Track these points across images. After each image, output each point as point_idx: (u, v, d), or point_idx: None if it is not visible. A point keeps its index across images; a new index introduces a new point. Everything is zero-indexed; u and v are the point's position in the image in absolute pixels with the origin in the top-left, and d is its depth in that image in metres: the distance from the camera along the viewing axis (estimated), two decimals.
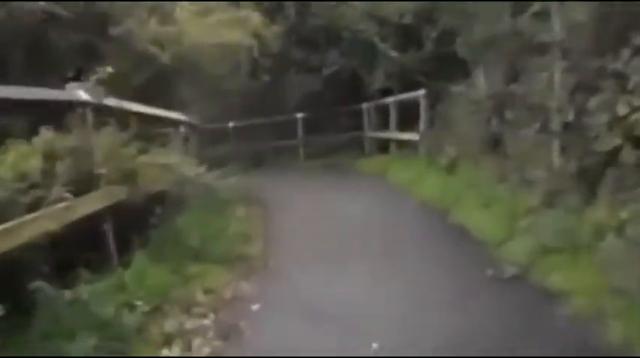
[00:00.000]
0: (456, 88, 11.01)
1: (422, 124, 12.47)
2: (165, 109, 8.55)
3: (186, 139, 9.68)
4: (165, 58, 10.91)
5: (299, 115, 18.12)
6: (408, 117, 13.77)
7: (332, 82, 18.03)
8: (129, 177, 5.62)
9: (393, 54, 15.03)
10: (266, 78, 18.96)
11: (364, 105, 17.28)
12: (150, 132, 7.26)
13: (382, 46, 15.42)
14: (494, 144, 9.19)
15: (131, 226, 5.57)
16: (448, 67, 14.32)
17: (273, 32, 16.47)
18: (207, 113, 19.52)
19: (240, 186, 10.62)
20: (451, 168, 10.47)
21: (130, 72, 10.44)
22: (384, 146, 15.52)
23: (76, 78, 5.92)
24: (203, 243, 6.29)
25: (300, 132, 18.27)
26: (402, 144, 14.11)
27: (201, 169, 8.55)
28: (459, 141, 10.58)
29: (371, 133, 17.04)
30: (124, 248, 5.34)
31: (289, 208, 9.96)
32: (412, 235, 7.49)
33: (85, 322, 3.80)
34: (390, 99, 14.92)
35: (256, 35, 15.31)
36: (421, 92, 12.64)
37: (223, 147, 18.69)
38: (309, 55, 18.56)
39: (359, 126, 17.63)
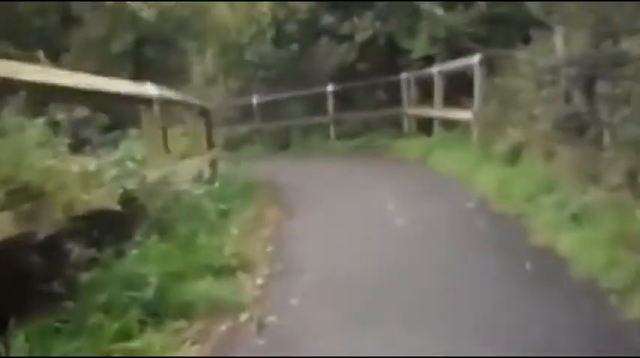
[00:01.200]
0: (521, 54, 8.65)
1: (476, 99, 10.06)
2: (141, 81, 6.22)
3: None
4: (148, 14, 8.25)
5: (329, 88, 15.91)
6: (454, 90, 11.58)
7: (366, 49, 15.79)
8: (27, 197, 3.48)
9: (439, 12, 12.66)
10: (293, 47, 16.78)
11: (403, 76, 14.98)
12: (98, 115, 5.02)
13: (426, 5, 13.06)
14: (577, 127, 6.94)
15: (34, 282, 3.49)
16: (503, 29, 12.20)
17: None
18: (228, 86, 17.67)
19: (250, 182, 8.54)
20: (514, 157, 8.27)
21: (111, 35, 8.26)
22: (425, 125, 13.25)
23: None
24: (162, 290, 4.15)
25: (330, 107, 16.08)
26: (448, 123, 11.85)
27: (200, 168, 6.38)
28: (525, 123, 8.32)
29: (411, 110, 14.73)
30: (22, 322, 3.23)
31: (311, 211, 7.81)
32: (481, 265, 5.15)
33: None
34: (434, 69, 12.53)
35: None
36: (476, 59, 10.17)
37: (245, 125, 16.90)
38: (340, 19, 16.20)
39: (397, 101, 15.38)
